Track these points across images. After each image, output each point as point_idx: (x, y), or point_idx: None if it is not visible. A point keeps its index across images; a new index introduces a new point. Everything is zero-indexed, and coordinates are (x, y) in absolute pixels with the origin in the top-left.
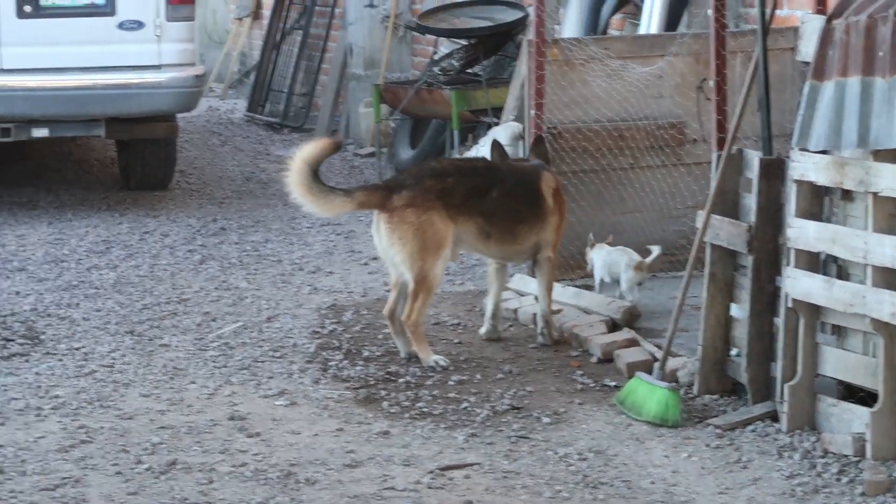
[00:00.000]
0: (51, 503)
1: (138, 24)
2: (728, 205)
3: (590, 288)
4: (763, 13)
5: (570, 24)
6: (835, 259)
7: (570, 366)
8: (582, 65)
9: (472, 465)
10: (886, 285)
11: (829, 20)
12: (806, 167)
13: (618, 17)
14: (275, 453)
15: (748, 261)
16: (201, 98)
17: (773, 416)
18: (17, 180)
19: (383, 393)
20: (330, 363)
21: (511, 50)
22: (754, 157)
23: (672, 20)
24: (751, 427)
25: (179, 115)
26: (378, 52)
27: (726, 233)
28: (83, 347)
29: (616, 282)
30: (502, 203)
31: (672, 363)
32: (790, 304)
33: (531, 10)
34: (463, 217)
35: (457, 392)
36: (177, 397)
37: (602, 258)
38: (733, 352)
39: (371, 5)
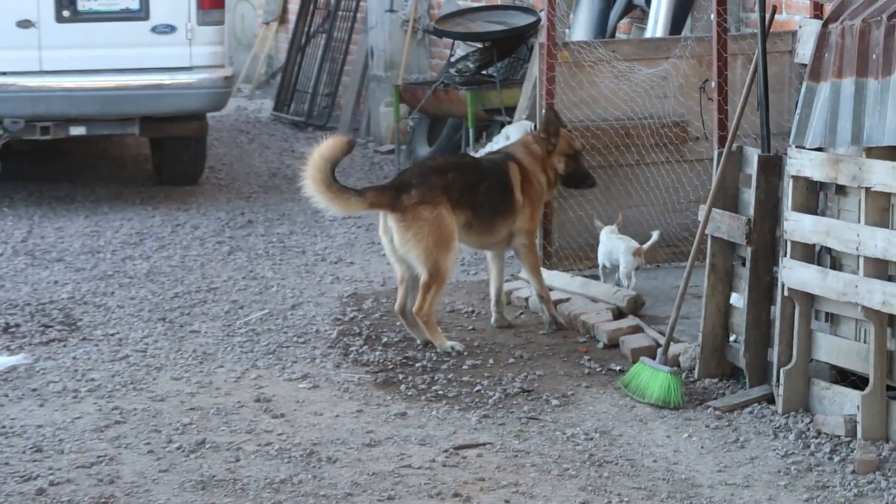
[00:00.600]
0: (87, 480)
1: (171, 28)
2: (728, 199)
3: (597, 278)
4: (763, 17)
5: (580, 28)
6: (829, 250)
7: (577, 351)
8: (591, 66)
9: (484, 444)
10: (877, 275)
11: (825, 24)
12: (802, 163)
13: (625, 21)
14: (298, 433)
15: (747, 252)
16: (230, 98)
17: (770, 399)
18: (56, 176)
19: (401, 376)
20: (350, 348)
21: (524, 52)
22: (753, 154)
23: (676, 24)
24: (748, 409)
25: (209, 114)
26: (398, 55)
27: (727, 226)
28: (118, 333)
29: (617, 268)
30: (486, 197)
31: (674, 349)
32: (786, 293)
33: (543, 15)
34: (457, 210)
35: (470, 376)
36: (206, 380)
37: (603, 244)
38: (732, 338)
39: (391, 10)
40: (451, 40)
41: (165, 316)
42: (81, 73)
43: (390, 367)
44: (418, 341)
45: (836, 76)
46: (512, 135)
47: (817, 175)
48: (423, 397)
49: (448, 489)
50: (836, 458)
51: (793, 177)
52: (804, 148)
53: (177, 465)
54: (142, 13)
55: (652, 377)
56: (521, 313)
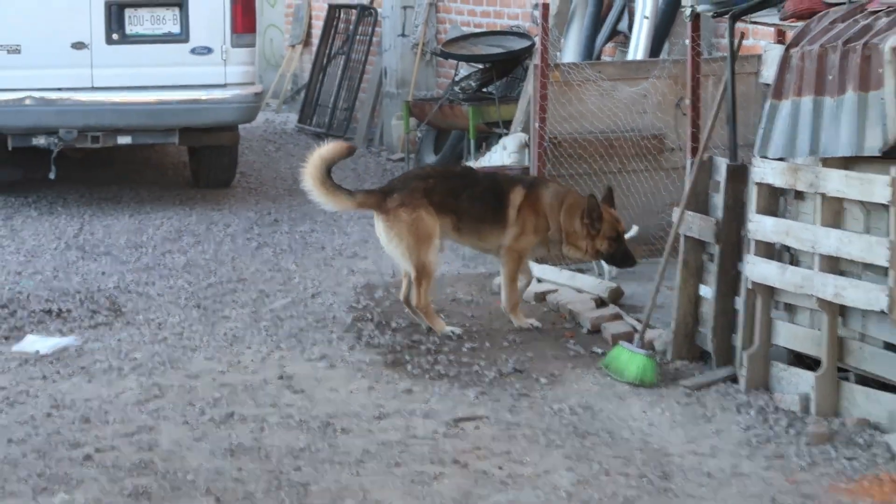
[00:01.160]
0: (129, 447)
1: (208, 50)
2: (699, 203)
3: (582, 272)
4: (732, 43)
5: (570, 51)
6: (788, 248)
7: (564, 336)
8: (579, 85)
9: (481, 417)
10: (830, 270)
11: (787, 49)
12: (765, 172)
13: (609, 45)
14: (316, 407)
15: (715, 250)
16: (259, 111)
17: (734, 379)
18: (105, 180)
19: (407, 357)
20: (363, 332)
21: (520, 73)
22: (722, 164)
23: (655, 48)
24: (715, 388)
25: (241, 126)
26: (408, 74)
27: (698, 226)
28: (157, 318)
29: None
30: (470, 205)
31: (650, 334)
32: (750, 286)
33: (537, 40)
34: (441, 213)
35: (469, 357)
36: (235, 360)
37: None
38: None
39: (403, 35)
40: (455, 61)
41: (200, 303)
42: (128, 90)
43: (398, 349)
44: (423, 327)
45: (796, 95)
46: (508, 145)
47: (778, 182)
48: (427, 376)
49: (448, 457)
50: (792, 431)
51: (757, 183)
52: (767, 158)
53: (208, 435)
54: (182, 36)
55: (630, 359)
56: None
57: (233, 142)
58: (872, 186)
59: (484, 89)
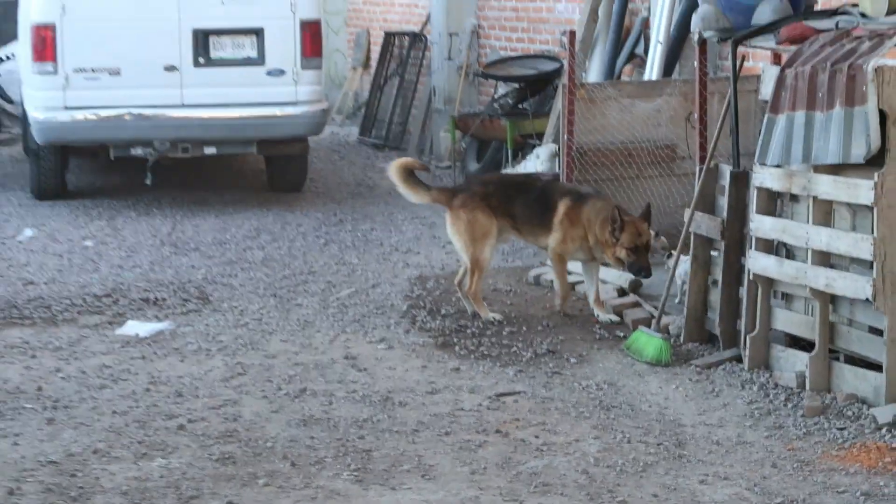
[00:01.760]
0: (216, 418)
1: (281, 72)
2: (707, 205)
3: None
4: (734, 64)
5: (593, 72)
6: (784, 244)
7: (591, 321)
8: (601, 102)
9: (519, 392)
10: (822, 264)
11: (782, 70)
12: (764, 177)
13: (628, 66)
14: (377, 383)
15: (721, 246)
16: (326, 125)
17: (738, 359)
18: (193, 185)
19: (455, 340)
20: (417, 318)
21: (550, 91)
22: (727, 170)
23: (667, 69)
24: (722, 366)
25: (310, 138)
26: (454, 92)
27: (706, 225)
28: (239, 306)
29: None
30: (524, 210)
31: (665, 319)
32: (751, 277)
33: (565, 63)
34: (498, 215)
35: (508, 340)
36: (307, 342)
37: None
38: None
39: (449, 58)
40: (494, 81)
41: (276, 293)
42: (213, 107)
43: (447, 332)
44: (469, 312)
45: (790, 109)
46: (541, 154)
47: (776, 186)
48: (473, 356)
49: (491, 427)
50: (790, 405)
51: (757, 187)
52: (766, 165)
53: (284, 407)
54: (259, 60)
55: (648, 342)
56: (548, 292)
57: (303, 152)
58: (858, 190)
59: (519, 105)
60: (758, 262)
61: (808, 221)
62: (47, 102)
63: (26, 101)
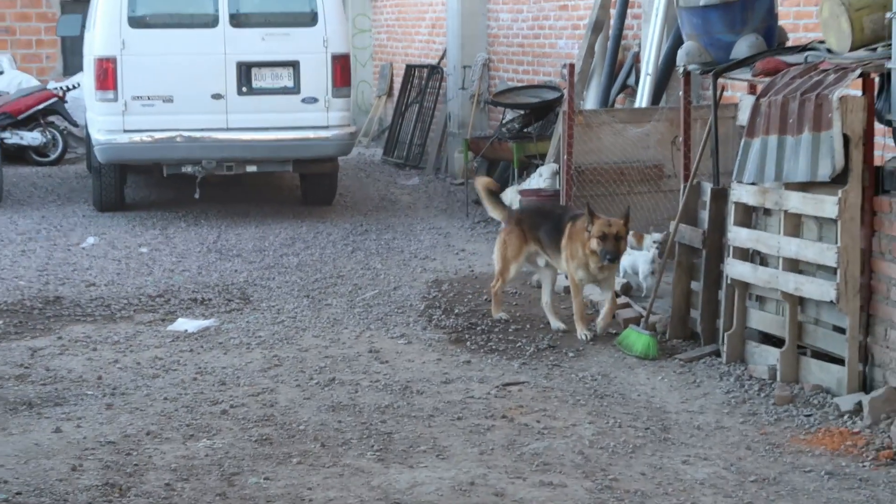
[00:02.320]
0: (255, 404)
1: (314, 100)
2: (690, 217)
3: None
4: (715, 94)
5: (590, 100)
6: (758, 253)
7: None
8: (597, 126)
9: (523, 382)
10: (791, 270)
11: (757, 99)
12: (741, 193)
13: (621, 95)
14: (397, 374)
15: (703, 254)
16: (353, 147)
17: (717, 354)
18: (236, 199)
19: (467, 336)
20: (433, 317)
21: (552, 117)
22: (708, 187)
23: (656, 98)
24: (702, 360)
25: (340, 158)
26: (467, 118)
27: (689, 235)
28: (276, 305)
29: (636, 273)
30: (545, 235)
31: (653, 319)
32: (729, 282)
33: (565, 92)
34: (529, 239)
35: (514, 336)
36: (335, 337)
37: (625, 257)
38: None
39: (463, 88)
40: (503, 108)
41: (308, 294)
42: (254, 130)
43: (460, 329)
44: (552, 326)
45: (765, 134)
46: (544, 173)
47: (751, 201)
48: (482, 350)
49: (498, 412)
50: (762, 394)
51: (734, 202)
52: (742, 183)
53: (315, 395)
54: (295, 89)
55: (637, 338)
56: None
57: (333, 170)
58: (824, 205)
59: (525, 130)
60: (735, 269)
61: (779, 233)
62: (108, 126)
63: (90, 125)
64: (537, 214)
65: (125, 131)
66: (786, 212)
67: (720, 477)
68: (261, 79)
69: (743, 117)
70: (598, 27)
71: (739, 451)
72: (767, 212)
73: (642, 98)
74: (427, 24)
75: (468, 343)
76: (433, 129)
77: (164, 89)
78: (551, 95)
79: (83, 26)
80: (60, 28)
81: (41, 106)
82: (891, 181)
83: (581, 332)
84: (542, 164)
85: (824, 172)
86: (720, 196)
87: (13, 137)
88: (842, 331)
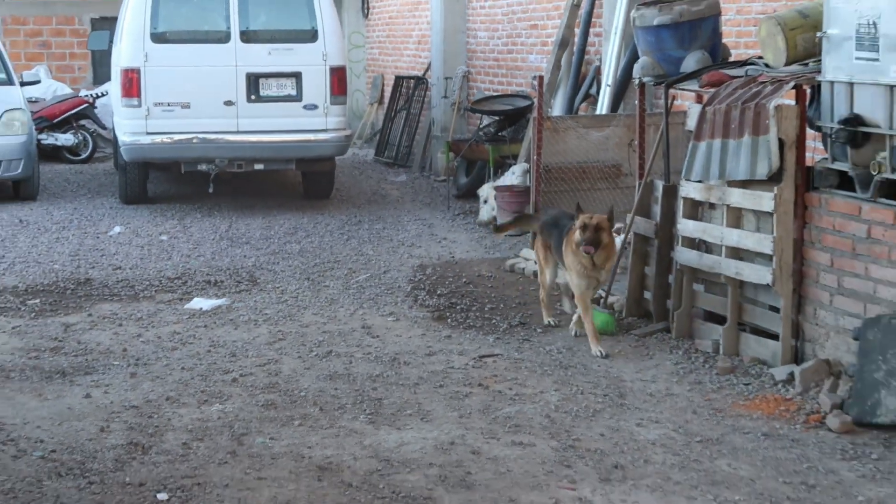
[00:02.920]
0: (262, 372)
1: (314, 106)
2: (645, 211)
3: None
4: (666, 103)
5: (557, 108)
6: (704, 242)
7: (555, 301)
8: (563, 131)
9: (497, 354)
10: (733, 257)
11: (704, 107)
12: (689, 190)
13: (584, 104)
14: (387, 347)
15: (655, 242)
16: (349, 148)
17: (668, 330)
18: (246, 193)
19: (448, 314)
20: (418, 297)
21: (524, 122)
22: (660, 184)
23: (615, 106)
24: (655, 336)
25: (337, 158)
26: (448, 123)
27: (643, 227)
28: (280, 286)
29: None
30: (553, 241)
31: (611, 299)
32: (679, 267)
33: (535, 101)
34: (546, 247)
35: (489, 314)
36: (332, 315)
37: None
38: (646, 294)
39: (445, 97)
40: (480, 114)
41: (309, 276)
42: (261, 133)
43: (441, 308)
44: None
45: (710, 137)
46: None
47: (698, 196)
48: (461, 326)
49: (475, 381)
50: (707, 366)
51: (683, 198)
52: (690, 181)
53: (315, 365)
54: (297, 97)
55: (597, 316)
56: (520, 277)
57: (331, 168)
58: (761, 200)
59: (499, 133)
60: (683, 256)
61: (722, 224)
62: (133, 129)
63: (116, 128)
64: (551, 224)
65: (148, 133)
66: (728, 206)
67: (669, 437)
68: (267, 88)
69: (691, 123)
70: (564, 44)
71: (686, 415)
72: (712, 206)
73: (603, 106)
74: (414, 41)
75: (449, 320)
76: (419, 132)
77: (182, 97)
78: (523, 103)
79: (111, 41)
80: (91, 43)
81: (74, 111)
82: (820, 179)
83: (595, 349)
84: (515, 164)
85: (762, 172)
86: (671, 192)
87: (49, 139)
88: (776, 310)
